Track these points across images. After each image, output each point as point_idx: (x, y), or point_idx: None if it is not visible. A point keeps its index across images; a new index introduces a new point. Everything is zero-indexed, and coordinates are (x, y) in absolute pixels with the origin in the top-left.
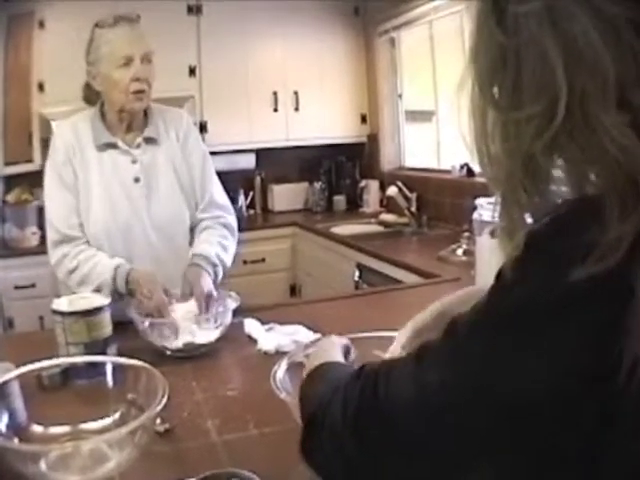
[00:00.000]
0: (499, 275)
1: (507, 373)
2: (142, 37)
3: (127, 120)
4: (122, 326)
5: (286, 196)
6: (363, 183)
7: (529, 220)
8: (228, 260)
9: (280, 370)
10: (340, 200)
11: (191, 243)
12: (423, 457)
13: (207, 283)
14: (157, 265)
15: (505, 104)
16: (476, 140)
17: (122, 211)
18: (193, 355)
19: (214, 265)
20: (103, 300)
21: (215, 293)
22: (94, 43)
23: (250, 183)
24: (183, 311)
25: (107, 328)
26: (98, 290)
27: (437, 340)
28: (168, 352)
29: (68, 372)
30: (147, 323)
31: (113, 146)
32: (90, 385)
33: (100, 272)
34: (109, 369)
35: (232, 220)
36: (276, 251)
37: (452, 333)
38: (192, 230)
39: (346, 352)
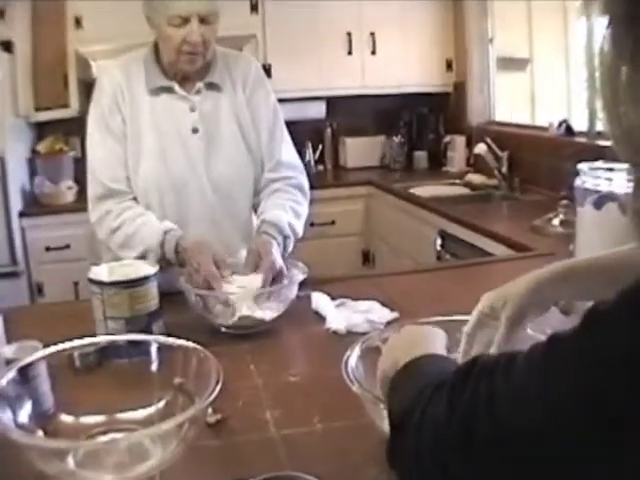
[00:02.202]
0: None
1: None
2: None
3: (182, 73)
4: (170, 298)
5: (360, 151)
6: (447, 138)
7: None
8: (300, 228)
9: (353, 357)
10: (421, 157)
11: (254, 206)
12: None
13: (278, 256)
14: (213, 228)
15: None
16: (607, 105)
17: (176, 165)
18: (251, 333)
19: (285, 237)
20: (149, 268)
21: (285, 270)
22: None
23: (319, 135)
24: (242, 284)
25: (153, 301)
26: (143, 256)
27: (573, 329)
28: (223, 329)
29: (105, 352)
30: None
31: (169, 90)
32: (131, 367)
33: (147, 235)
34: (154, 349)
35: (304, 180)
36: (348, 213)
37: (592, 322)
38: (256, 193)
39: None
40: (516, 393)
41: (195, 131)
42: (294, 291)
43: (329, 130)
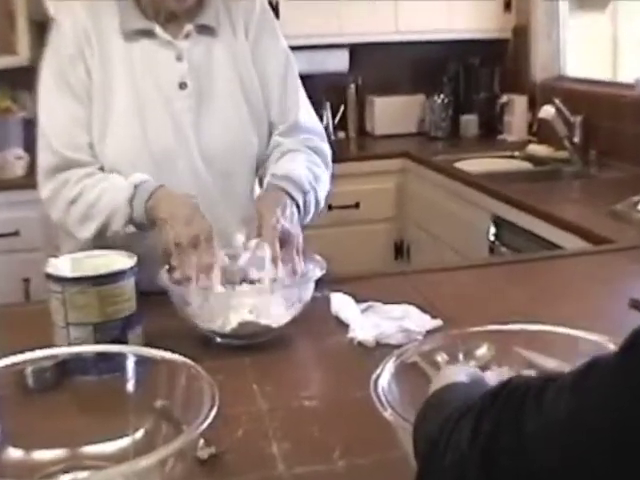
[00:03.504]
0: None
1: None
2: None
3: (166, 13)
4: (151, 299)
5: (392, 114)
6: (504, 98)
7: None
8: (322, 193)
9: (384, 375)
10: (470, 122)
11: (259, 181)
12: None
13: (288, 215)
14: (205, 212)
15: None
16: None
17: (158, 130)
18: (254, 344)
19: (304, 192)
20: (125, 261)
21: (300, 233)
22: None
23: (340, 94)
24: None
25: (129, 302)
26: (107, 222)
27: (613, 353)
28: (218, 339)
29: (67, 367)
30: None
31: (149, 34)
32: (100, 387)
33: (112, 195)
34: (130, 364)
35: (325, 147)
36: (376, 193)
37: (632, 346)
38: (261, 164)
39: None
40: (543, 421)
41: (183, 86)
42: (309, 291)
43: (353, 87)
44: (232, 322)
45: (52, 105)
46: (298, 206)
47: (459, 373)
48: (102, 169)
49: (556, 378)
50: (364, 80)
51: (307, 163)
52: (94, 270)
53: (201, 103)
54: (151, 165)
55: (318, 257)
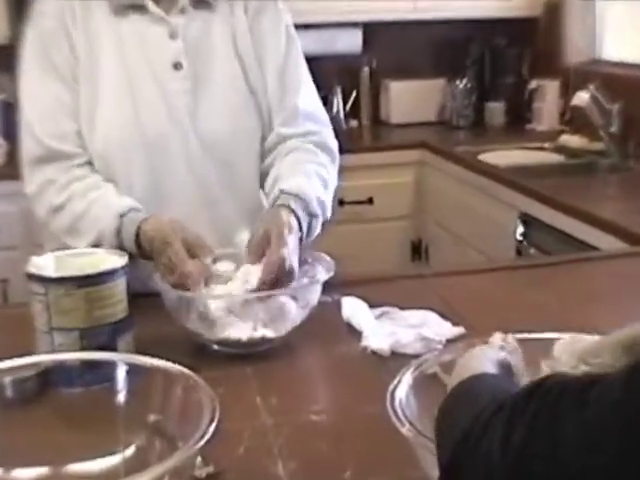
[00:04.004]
0: None
1: None
2: None
3: None
4: (144, 302)
5: (410, 100)
6: (534, 84)
7: None
8: (330, 204)
9: (401, 387)
10: (496, 109)
11: (262, 175)
12: None
13: (293, 249)
14: (205, 206)
15: None
16: None
17: (151, 115)
18: (256, 352)
19: (313, 215)
20: (115, 259)
21: (295, 270)
22: None
23: (353, 77)
24: (238, 282)
25: (119, 306)
26: (97, 243)
27: None
28: (215, 346)
29: (50, 377)
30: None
31: (140, 9)
32: (87, 399)
33: (99, 216)
34: (120, 373)
35: (330, 137)
36: (391, 187)
37: None
38: (264, 154)
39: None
40: (585, 423)
41: (177, 67)
42: (317, 295)
43: (366, 70)
44: (218, 333)
45: (35, 88)
46: (301, 228)
47: (485, 362)
48: (90, 162)
49: (597, 379)
50: (379, 62)
51: (315, 167)
52: (80, 270)
53: (198, 85)
54: (144, 152)
55: (327, 257)
